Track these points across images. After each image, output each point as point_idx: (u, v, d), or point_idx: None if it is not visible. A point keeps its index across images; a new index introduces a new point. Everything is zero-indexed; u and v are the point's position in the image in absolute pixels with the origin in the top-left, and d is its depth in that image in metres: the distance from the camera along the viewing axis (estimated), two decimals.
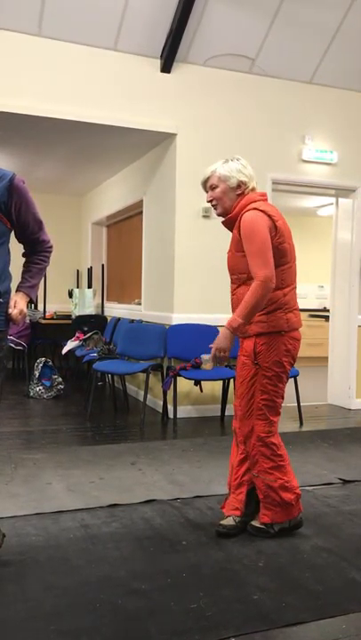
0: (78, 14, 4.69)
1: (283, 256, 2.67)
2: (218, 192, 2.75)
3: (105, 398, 6.19)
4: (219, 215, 2.83)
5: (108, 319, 6.93)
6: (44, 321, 7.30)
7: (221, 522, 2.80)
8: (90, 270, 7.97)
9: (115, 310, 7.10)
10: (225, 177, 2.72)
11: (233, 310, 2.76)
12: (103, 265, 7.88)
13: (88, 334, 6.54)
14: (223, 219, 2.81)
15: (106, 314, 7.40)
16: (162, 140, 5.46)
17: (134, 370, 5.17)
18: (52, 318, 7.42)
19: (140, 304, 6.27)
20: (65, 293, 7.77)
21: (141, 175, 6.23)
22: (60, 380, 6.12)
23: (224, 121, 5.36)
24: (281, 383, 2.74)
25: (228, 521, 2.79)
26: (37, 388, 6.00)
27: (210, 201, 2.81)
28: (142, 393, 5.14)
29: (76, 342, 6.63)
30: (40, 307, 7.70)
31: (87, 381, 5.99)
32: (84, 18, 4.72)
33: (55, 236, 8.34)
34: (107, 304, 7.63)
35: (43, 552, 2.56)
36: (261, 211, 2.64)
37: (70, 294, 7.60)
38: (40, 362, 6.20)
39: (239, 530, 2.78)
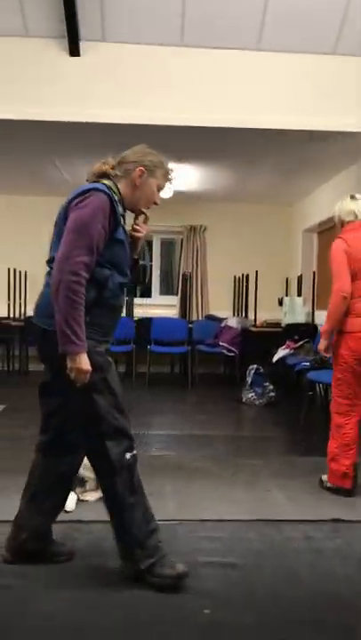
0: (298, 23, 4.70)
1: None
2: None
3: (315, 409, 6.07)
4: None
5: (319, 328, 6.79)
6: (254, 329, 7.42)
7: None
8: (300, 278, 7.92)
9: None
10: (334, 213, 3.58)
11: None
12: (314, 272, 7.77)
13: (299, 343, 6.49)
14: None
15: (316, 322, 7.27)
16: None
17: None
18: (262, 326, 7.52)
19: None
20: (275, 301, 7.81)
21: (356, 180, 6.02)
22: (272, 387, 6.16)
23: None
24: (343, 373, 3.43)
25: None
26: (249, 395, 6.12)
27: None
28: None
29: (287, 350, 6.61)
30: (251, 315, 7.84)
31: (298, 390, 5.94)
32: (303, 26, 4.72)
33: (265, 245, 8.44)
34: (317, 312, 7.49)
35: (268, 559, 2.58)
36: (342, 238, 3.41)
37: (280, 302, 7.62)
38: (252, 369, 6.31)
39: None
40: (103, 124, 4.77)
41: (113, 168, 2.36)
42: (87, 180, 2.36)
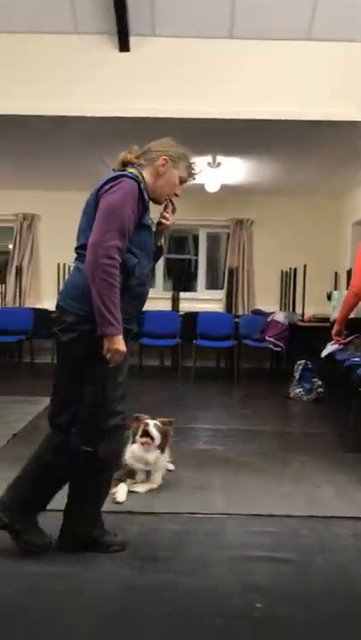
0: (348, 11, 4.60)
1: None
2: None
3: None
4: None
5: None
6: (301, 323, 7.34)
7: None
8: (349, 272, 7.77)
9: None
10: None
11: None
12: None
13: (349, 338, 6.37)
14: None
15: None
16: None
17: None
18: (309, 321, 7.42)
19: None
20: (323, 296, 7.70)
21: None
22: (320, 383, 6.09)
23: None
24: None
25: None
26: (297, 390, 6.07)
27: None
28: None
29: (336, 346, 6.50)
30: (298, 309, 7.76)
31: (348, 386, 5.84)
32: (354, 14, 4.61)
33: (313, 239, 8.30)
34: None
35: (318, 555, 2.56)
36: None
37: (329, 297, 7.51)
38: (300, 364, 6.24)
39: None
40: (152, 119, 4.78)
41: (138, 157, 2.44)
42: (113, 169, 2.42)
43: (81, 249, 2.34)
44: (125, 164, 2.41)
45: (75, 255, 2.41)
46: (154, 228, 2.48)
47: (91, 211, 2.34)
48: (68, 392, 2.38)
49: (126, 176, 2.30)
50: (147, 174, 2.42)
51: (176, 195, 2.51)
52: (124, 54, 4.78)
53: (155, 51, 4.79)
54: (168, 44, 4.77)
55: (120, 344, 2.22)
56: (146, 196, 2.36)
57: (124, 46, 4.74)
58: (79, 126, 5.17)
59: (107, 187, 2.29)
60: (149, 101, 4.78)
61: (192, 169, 2.52)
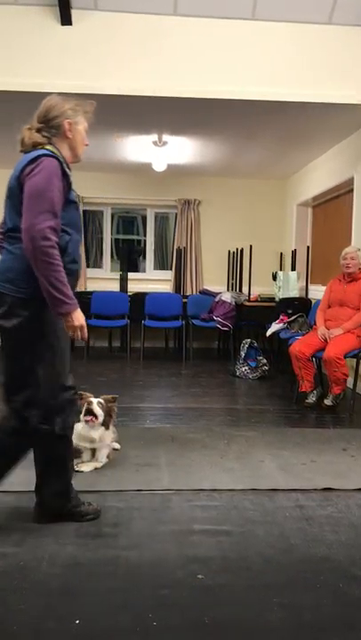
0: None
1: None
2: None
3: None
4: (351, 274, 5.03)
5: (313, 302, 6.82)
6: (248, 303, 7.43)
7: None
8: (294, 253, 7.91)
9: (320, 293, 6.95)
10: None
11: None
12: (308, 247, 7.77)
13: (292, 317, 6.51)
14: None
15: (310, 296, 7.29)
16: None
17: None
18: (256, 301, 7.53)
19: None
20: (269, 276, 7.82)
21: (352, 152, 5.98)
22: (265, 361, 6.20)
23: None
24: None
25: None
26: (243, 368, 6.16)
27: (348, 266, 5.03)
28: (349, 379, 4.99)
29: (281, 325, 6.63)
30: (245, 289, 7.85)
31: (291, 363, 5.97)
32: None
33: (260, 219, 8.38)
34: (311, 287, 7.52)
35: (261, 527, 2.63)
36: None
37: (274, 277, 7.62)
38: (245, 343, 6.34)
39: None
40: (95, 95, 4.68)
41: (40, 131, 2.38)
42: (22, 152, 2.37)
43: (11, 232, 2.33)
44: (37, 144, 2.35)
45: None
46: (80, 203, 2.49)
47: (14, 196, 2.31)
48: (22, 376, 2.35)
49: (45, 155, 2.26)
50: (58, 144, 2.38)
51: (85, 144, 2.51)
52: (66, 28, 4.66)
53: (98, 25, 4.69)
54: (111, 18, 4.67)
55: (78, 319, 2.28)
56: (68, 171, 2.34)
57: (65, 19, 4.62)
58: (19, 101, 5.01)
59: (27, 169, 2.25)
60: (93, 77, 4.68)
61: (86, 112, 2.47)
